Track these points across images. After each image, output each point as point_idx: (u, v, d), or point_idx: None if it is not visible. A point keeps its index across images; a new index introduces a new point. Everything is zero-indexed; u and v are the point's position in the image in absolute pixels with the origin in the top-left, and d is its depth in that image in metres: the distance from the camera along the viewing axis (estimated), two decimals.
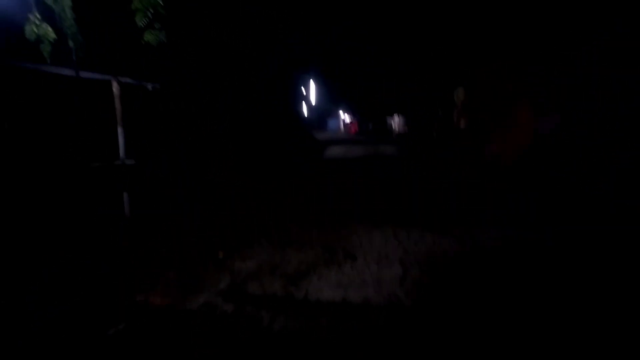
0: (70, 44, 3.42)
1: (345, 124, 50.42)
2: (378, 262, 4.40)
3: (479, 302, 3.40)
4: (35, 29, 3.28)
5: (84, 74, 4.50)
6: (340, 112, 51.43)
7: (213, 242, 5.12)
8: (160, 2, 3.65)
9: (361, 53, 25.18)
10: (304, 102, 29.65)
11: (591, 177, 7.16)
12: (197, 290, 3.73)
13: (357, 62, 27.31)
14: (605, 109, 7.28)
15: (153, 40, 3.87)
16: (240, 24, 10.52)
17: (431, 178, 9.90)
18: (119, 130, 4.94)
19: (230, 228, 5.82)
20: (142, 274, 4.03)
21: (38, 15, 3.28)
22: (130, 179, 5.41)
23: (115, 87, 4.75)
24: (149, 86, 5.46)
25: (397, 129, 35.80)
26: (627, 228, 5.36)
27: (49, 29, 3.31)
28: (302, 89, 29.78)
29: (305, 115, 29.41)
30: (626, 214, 5.95)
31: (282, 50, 16.13)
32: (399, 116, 36.66)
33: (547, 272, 4.01)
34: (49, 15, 3.32)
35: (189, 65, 7.55)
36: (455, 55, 12.21)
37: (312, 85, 32.57)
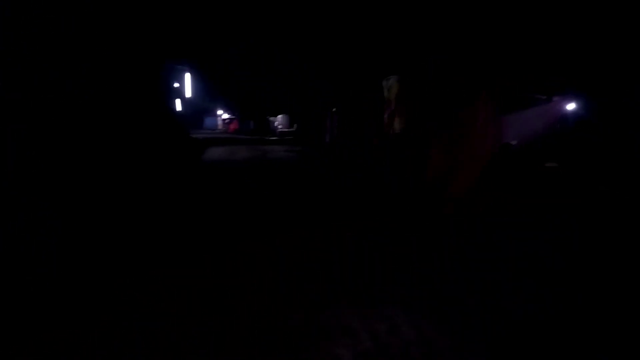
0: None
1: (224, 122, 46.29)
2: None
3: None
4: None
5: None
6: (219, 109, 47.23)
7: None
8: None
9: (244, 46, 21.83)
10: (177, 98, 25.09)
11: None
12: None
13: (239, 55, 23.84)
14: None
15: None
16: None
17: (363, 207, 6.78)
18: None
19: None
20: None
21: None
22: None
23: None
24: None
25: (280, 129, 33.66)
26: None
27: None
28: (175, 82, 25.30)
29: (179, 111, 24.79)
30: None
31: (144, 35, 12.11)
32: (283, 116, 34.35)
33: None
34: None
35: None
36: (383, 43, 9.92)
37: (188, 78, 27.80)
